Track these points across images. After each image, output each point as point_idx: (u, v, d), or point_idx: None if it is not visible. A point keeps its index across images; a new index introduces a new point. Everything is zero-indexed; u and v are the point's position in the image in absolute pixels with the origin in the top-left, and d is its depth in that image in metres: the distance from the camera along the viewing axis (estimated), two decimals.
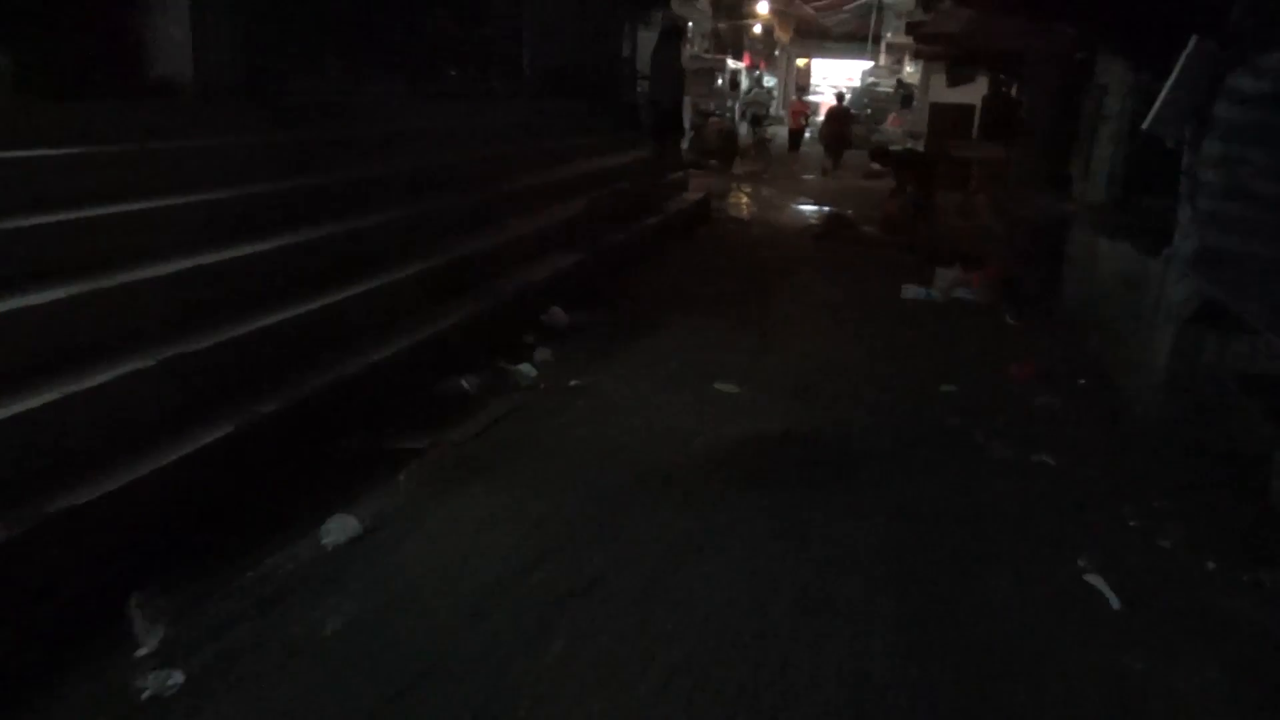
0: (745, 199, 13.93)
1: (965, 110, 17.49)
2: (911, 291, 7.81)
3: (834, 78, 37.76)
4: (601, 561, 3.37)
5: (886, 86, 29.92)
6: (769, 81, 34.65)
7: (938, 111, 16.48)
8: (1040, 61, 8.95)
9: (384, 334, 4.77)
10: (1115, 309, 5.95)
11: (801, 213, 12.91)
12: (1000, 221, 10.43)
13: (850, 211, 11.36)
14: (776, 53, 38.30)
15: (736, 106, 23.74)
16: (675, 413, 4.89)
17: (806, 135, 20.63)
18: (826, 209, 13.13)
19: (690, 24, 16.53)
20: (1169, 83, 4.47)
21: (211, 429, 3.41)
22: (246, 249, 4.41)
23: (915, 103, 26.67)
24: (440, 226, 6.18)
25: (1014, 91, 13.35)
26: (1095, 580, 3.37)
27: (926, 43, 8.13)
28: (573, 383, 5.26)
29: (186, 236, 4.24)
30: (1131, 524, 3.87)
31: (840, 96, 22.79)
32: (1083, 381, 5.65)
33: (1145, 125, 4.52)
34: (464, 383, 4.96)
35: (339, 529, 3.41)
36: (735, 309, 7.20)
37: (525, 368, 5.35)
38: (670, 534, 3.60)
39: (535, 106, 10.05)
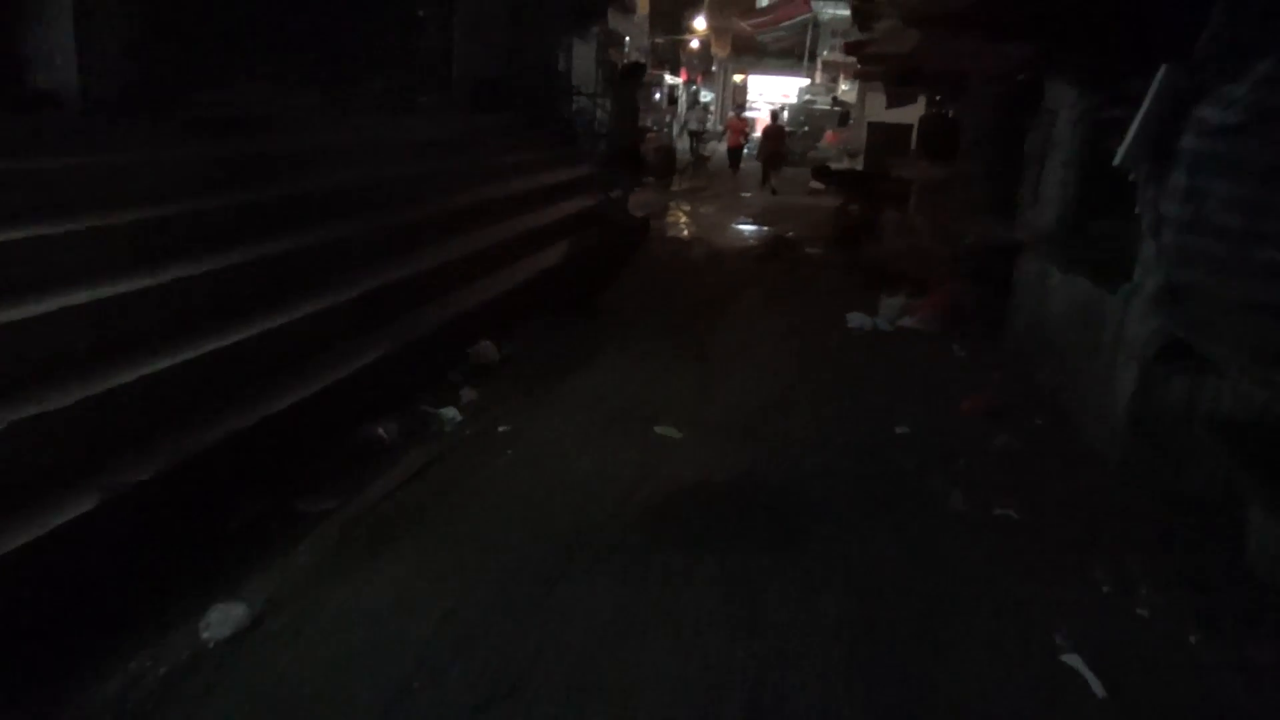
0: (685, 218, 13.64)
1: (902, 130, 17.47)
2: (857, 320, 7.54)
3: (770, 94, 37.92)
4: (530, 650, 2.95)
5: (823, 104, 29.97)
6: (706, 97, 34.62)
7: (876, 130, 16.45)
8: (984, 84, 8.82)
9: (290, 378, 4.29)
10: (1069, 342, 5.73)
11: (742, 232, 12.66)
12: (943, 245, 10.27)
13: (791, 232, 11.12)
14: (714, 68, 38.33)
15: (674, 122, 23.52)
16: (614, 462, 4.49)
17: (745, 152, 20.46)
18: (767, 229, 12.91)
19: (627, 38, 16.24)
20: (1140, 114, 4.24)
21: (68, 506, 2.91)
22: (128, 285, 3.89)
23: (852, 120, 26.79)
24: (358, 253, 5.70)
25: (951, 113, 13.29)
26: (1074, 661, 3.06)
27: (869, 63, 7.91)
28: (501, 428, 4.83)
29: (54, 271, 3.71)
30: (1105, 589, 3.58)
31: (775, 114, 22.77)
32: (1039, 420, 5.41)
33: (1117, 160, 4.28)
34: (381, 430, 4.50)
35: (222, 620, 2.94)
36: (676, 337, 6.85)
37: (449, 411, 4.90)
38: (608, 612, 3.20)
39: (466, 120, 9.60)
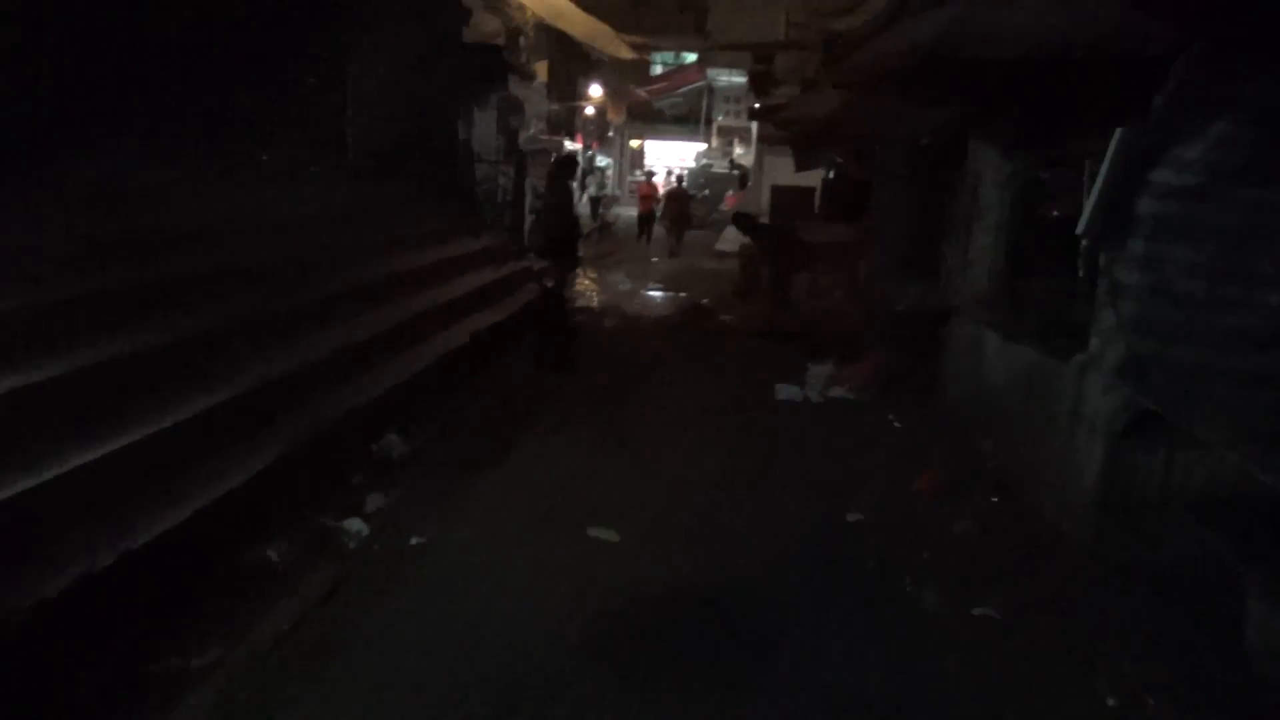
0: (594, 287, 13.25)
1: (806, 192, 17.65)
2: (786, 392, 7.20)
3: (667, 158, 38.34)
4: None
5: (721, 167, 30.39)
6: (602, 162, 34.71)
7: (779, 193, 16.49)
8: (897, 146, 8.76)
9: (160, 499, 3.62)
10: (1015, 413, 5.48)
11: (654, 300, 12.34)
12: (862, 309, 10.13)
13: (706, 299, 10.84)
14: (610, 134, 38.59)
15: (576, 188, 23.32)
16: (547, 576, 3.94)
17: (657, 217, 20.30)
18: (681, 295, 12.63)
19: (528, 105, 15.97)
20: (1099, 180, 4.02)
21: None
22: None
23: (750, 183, 27.15)
24: (243, 342, 5.05)
25: (857, 175, 13.36)
26: None
27: (784, 126, 7.77)
28: (415, 539, 4.23)
29: None
30: (1111, 702, 3.21)
31: (680, 178, 22.88)
32: (995, 499, 5.09)
33: (1080, 230, 4.04)
34: (272, 553, 3.86)
35: None
36: (599, 419, 6.36)
37: (353, 523, 4.28)
38: None
39: (362, 191, 9.02)
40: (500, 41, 13.13)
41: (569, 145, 23.24)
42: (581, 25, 12.36)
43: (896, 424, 6.54)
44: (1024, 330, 5.49)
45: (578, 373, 7.74)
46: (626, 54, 13.83)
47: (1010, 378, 5.59)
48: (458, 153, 11.40)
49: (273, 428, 4.58)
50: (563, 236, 10.34)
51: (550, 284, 8.35)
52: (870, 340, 8.07)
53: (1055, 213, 5.42)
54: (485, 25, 13.11)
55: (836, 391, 7.22)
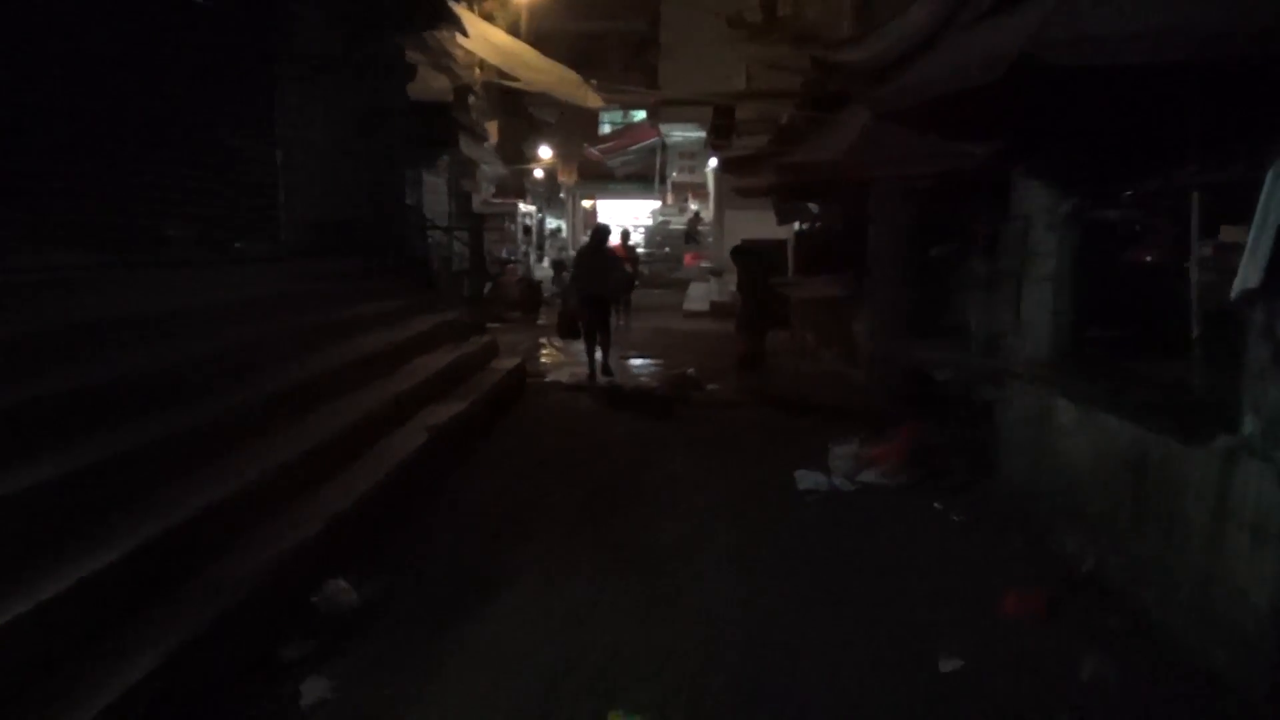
0: (562, 357, 12.15)
1: (777, 245, 16.82)
2: (810, 481, 6.13)
3: (621, 217, 37.69)
4: None
5: (679, 224, 29.71)
6: (552, 224, 33.87)
7: (748, 253, 15.52)
8: (895, 189, 7.88)
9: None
10: (1110, 505, 4.46)
11: (632, 370, 11.25)
12: (870, 374, 9.15)
13: (691, 369, 9.79)
14: (562, 195, 37.86)
15: (532, 252, 22.34)
16: None
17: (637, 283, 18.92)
18: (660, 363, 11.59)
19: (486, 166, 15.03)
20: (1259, 222, 3.06)
21: None
22: None
23: (710, 238, 26.41)
24: (145, 475, 3.87)
25: (837, 223, 12.50)
26: None
27: (784, 174, 6.88)
28: None
29: None
30: None
31: (626, 234, 21.95)
32: (1111, 622, 4.03)
33: (1234, 293, 3.08)
34: None
35: None
36: (595, 534, 5.23)
37: None
38: None
39: (300, 269, 7.89)
40: (448, 99, 12.17)
41: (524, 207, 22.35)
42: (546, 74, 11.48)
43: (953, 517, 5.49)
44: (1115, 401, 4.49)
45: (563, 467, 6.61)
46: (595, 103, 12.98)
47: (1101, 460, 4.58)
48: (407, 220, 10.33)
49: (180, 593, 3.41)
50: (598, 301, 10.26)
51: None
52: (895, 412, 7.06)
53: (1148, 258, 4.48)
54: (432, 83, 12.13)
55: (867, 476, 6.16)
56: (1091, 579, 4.47)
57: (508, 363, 9.36)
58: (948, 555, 4.91)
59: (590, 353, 10.25)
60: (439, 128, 11.06)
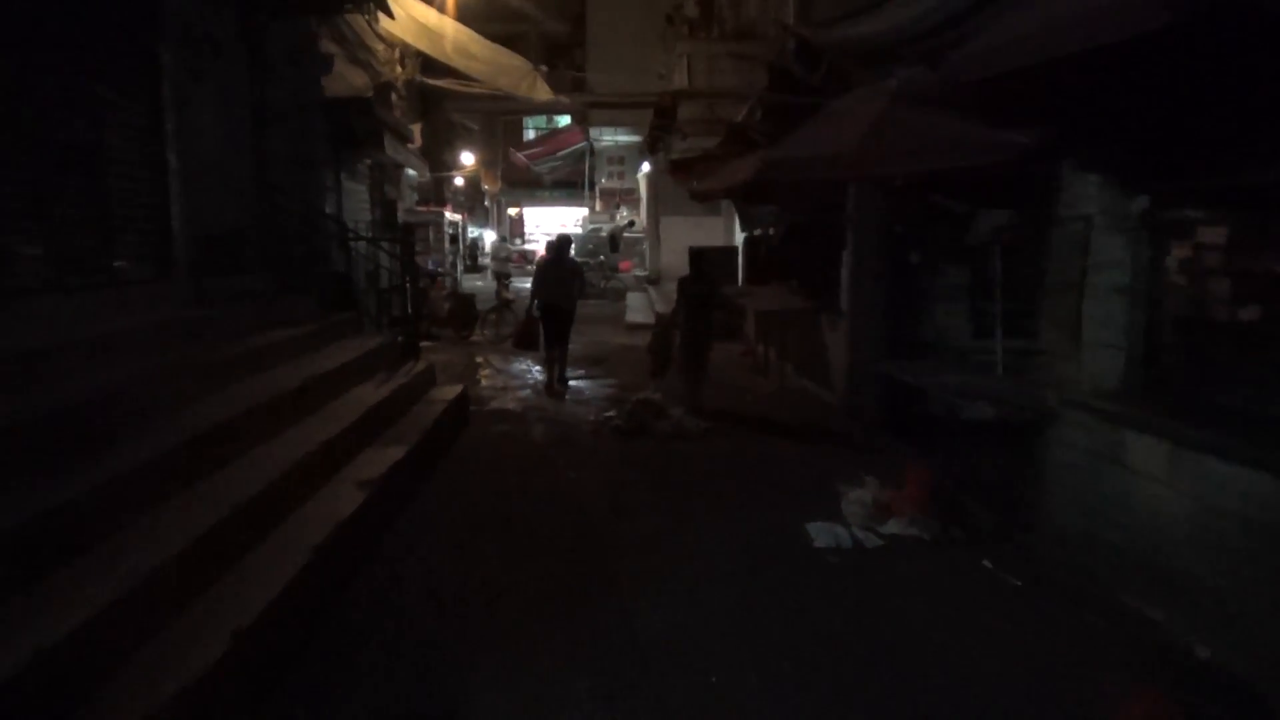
0: (503, 380, 10.98)
1: (727, 253, 15.93)
2: (826, 536, 5.15)
3: (548, 225, 36.59)
4: None
5: (611, 230, 28.66)
6: (474, 232, 32.52)
7: (699, 256, 14.66)
8: (875, 190, 6.99)
9: None
10: (1231, 577, 3.59)
11: (583, 394, 10.16)
12: (849, 395, 8.26)
13: (658, 394, 8.74)
14: (486, 203, 36.54)
15: (460, 263, 21.05)
16: None
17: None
18: (610, 384, 10.52)
19: (412, 172, 13.75)
20: None
21: None
22: None
23: (645, 245, 25.49)
24: None
25: (791, 228, 11.64)
26: None
27: (778, 171, 5.96)
28: None
29: None
30: None
31: (550, 244, 21.33)
32: None
33: None
34: None
35: None
36: (581, 623, 4.15)
37: None
38: None
39: (197, 291, 6.62)
40: (369, 95, 10.93)
41: (450, 216, 21.06)
42: (487, 62, 10.30)
43: (1008, 578, 4.57)
44: (1226, 444, 3.62)
45: (522, 527, 5.51)
46: (544, 95, 11.88)
47: (1208, 517, 3.70)
48: (327, 230, 9.07)
49: None
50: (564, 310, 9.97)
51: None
52: (882, 439, 6.16)
53: None
54: (351, 79, 10.89)
55: (892, 526, 5.22)
56: (1212, 669, 3.60)
57: (448, 391, 8.17)
58: (1021, 634, 3.98)
59: (549, 364, 10.10)
60: (359, 126, 9.81)
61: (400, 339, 8.36)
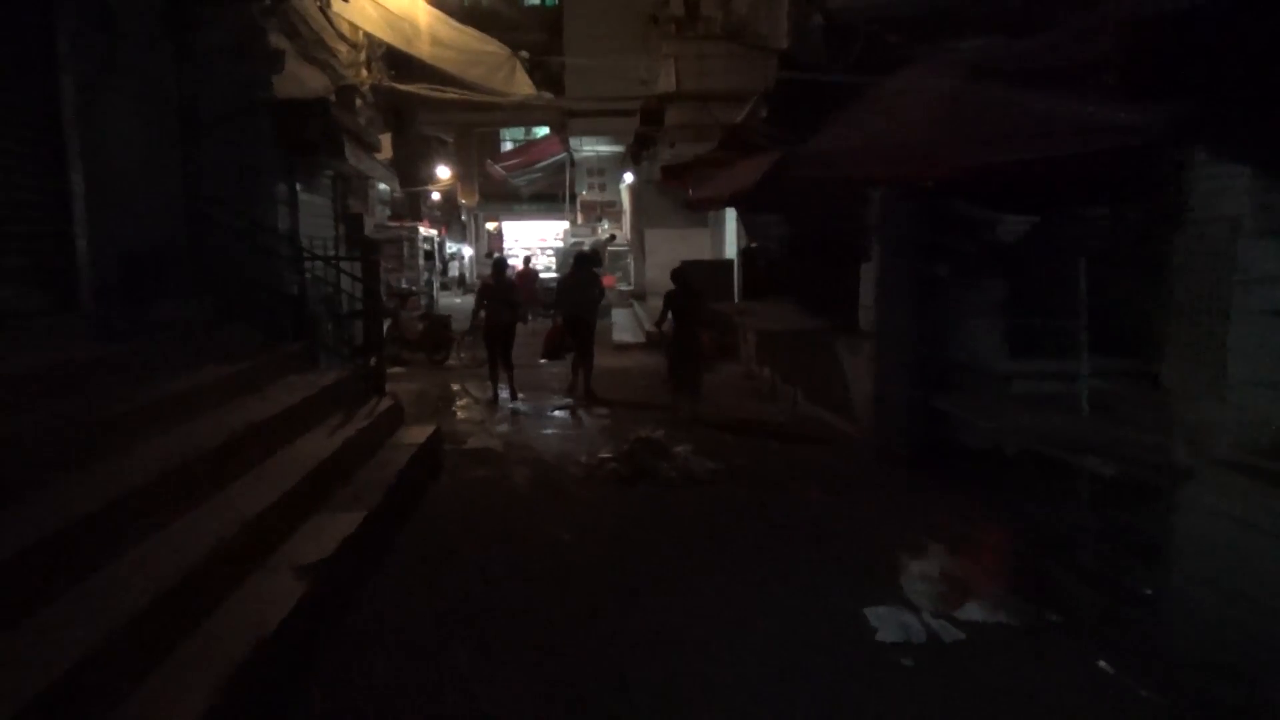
0: (483, 412, 9.87)
1: (721, 267, 14.90)
2: (892, 625, 4.08)
3: (528, 239, 35.52)
4: None
5: (593, 244, 27.57)
6: (452, 248, 31.39)
7: (691, 269, 13.58)
8: (901, 193, 5.97)
9: None
10: None
11: (571, 430, 9.06)
12: (880, 427, 7.21)
13: (660, 431, 7.65)
14: (463, 217, 35.40)
15: (435, 281, 19.92)
16: None
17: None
18: (601, 415, 9.45)
19: (384, 186, 12.64)
20: None
21: None
22: None
23: (629, 259, 24.47)
24: None
25: (796, 240, 10.62)
26: None
27: (811, 169, 5.00)
28: None
29: None
30: None
31: (528, 259, 21.68)
32: None
33: None
34: None
35: None
36: None
37: None
38: None
39: (105, 326, 5.50)
40: (329, 97, 9.83)
41: (425, 231, 19.97)
42: (460, 50, 9.21)
43: (1137, 688, 3.51)
44: None
45: (510, 615, 4.40)
46: (524, 87, 10.90)
47: None
48: (276, 249, 7.95)
49: None
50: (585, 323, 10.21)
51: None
52: (923, 481, 5.12)
53: None
54: (307, 80, 9.79)
55: (972, 611, 4.16)
56: None
57: (418, 433, 7.06)
58: None
59: (574, 373, 10.55)
60: (313, 129, 8.70)
61: (362, 372, 7.25)
